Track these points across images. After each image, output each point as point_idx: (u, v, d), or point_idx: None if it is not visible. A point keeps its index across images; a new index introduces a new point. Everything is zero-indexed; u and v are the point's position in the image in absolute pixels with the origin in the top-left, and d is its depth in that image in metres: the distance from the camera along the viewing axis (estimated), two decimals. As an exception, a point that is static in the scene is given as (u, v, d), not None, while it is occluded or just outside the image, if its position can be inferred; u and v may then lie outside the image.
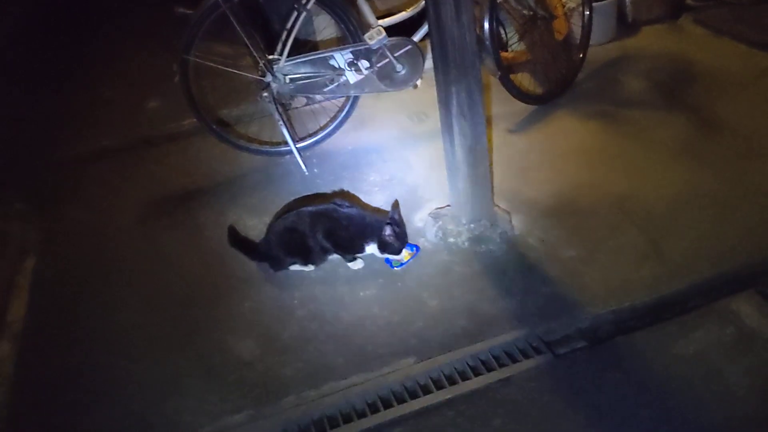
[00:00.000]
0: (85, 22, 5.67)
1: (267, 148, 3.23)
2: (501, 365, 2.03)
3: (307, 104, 3.69)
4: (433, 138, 3.14)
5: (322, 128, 3.27)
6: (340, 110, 3.24)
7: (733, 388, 1.86)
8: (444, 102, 2.34)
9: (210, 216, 2.94)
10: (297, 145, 3.13)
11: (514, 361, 2.04)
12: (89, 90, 4.32)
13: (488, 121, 2.89)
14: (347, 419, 1.96)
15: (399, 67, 3.04)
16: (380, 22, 2.99)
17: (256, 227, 2.77)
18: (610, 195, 2.69)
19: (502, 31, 3.65)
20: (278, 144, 3.22)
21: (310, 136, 3.26)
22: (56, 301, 2.63)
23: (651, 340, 2.04)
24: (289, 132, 3.08)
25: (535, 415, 1.86)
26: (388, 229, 2.39)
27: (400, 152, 3.21)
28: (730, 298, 2.13)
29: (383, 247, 2.43)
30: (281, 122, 3.04)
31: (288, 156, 3.23)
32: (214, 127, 3.10)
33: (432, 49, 2.29)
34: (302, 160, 3.13)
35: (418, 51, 3.05)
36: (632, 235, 2.47)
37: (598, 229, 2.53)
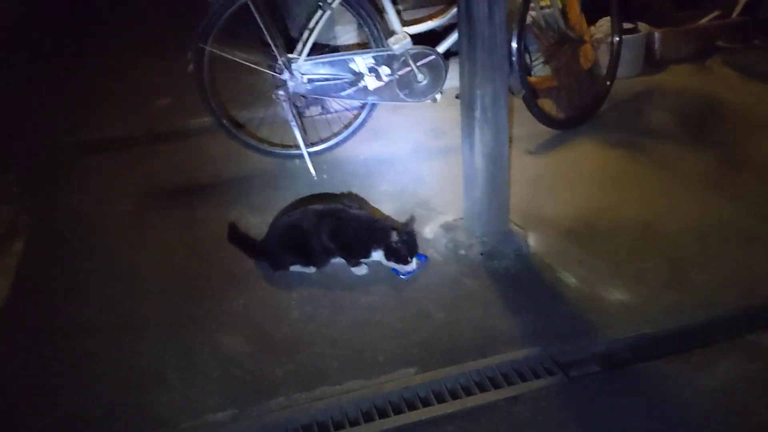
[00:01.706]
0: (106, 21, 5.65)
1: (277, 149, 3.12)
2: (509, 383, 1.88)
3: (322, 113, 3.60)
4: (450, 154, 3.06)
5: (335, 134, 3.16)
6: (356, 117, 3.15)
7: (763, 428, 1.70)
8: (467, 105, 2.23)
9: (211, 212, 2.82)
10: (308, 150, 3.02)
11: (524, 380, 1.88)
12: (101, 84, 4.25)
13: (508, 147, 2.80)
14: (339, 426, 1.80)
15: (420, 76, 2.95)
16: (405, 29, 2.91)
17: (258, 226, 2.64)
18: (631, 220, 2.56)
19: (527, 56, 3.57)
20: (289, 146, 3.11)
21: (323, 141, 3.16)
22: (40, 286, 2.50)
23: (672, 369, 1.89)
24: (301, 134, 2.97)
25: (544, 436, 1.71)
26: (394, 234, 2.26)
27: (414, 165, 3.10)
28: (759, 332, 1.98)
29: (390, 255, 2.30)
30: (294, 123, 2.94)
31: (298, 160, 3.12)
32: (224, 122, 3.00)
33: (460, 49, 2.19)
34: (312, 165, 3.01)
35: (441, 62, 2.96)
36: (654, 261, 2.33)
37: (618, 252, 2.39)
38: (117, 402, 1.94)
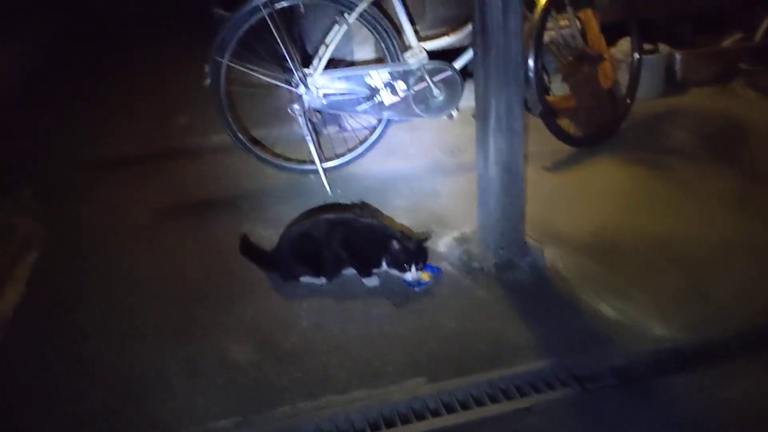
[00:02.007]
0: (127, 45, 5.75)
1: (292, 164, 3.10)
2: (522, 395, 1.81)
3: (339, 131, 3.59)
4: (466, 171, 3.01)
5: (350, 150, 3.14)
6: (371, 133, 3.13)
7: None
8: (482, 113, 2.20)
9: (224, 225, 2.80)
10: (323, 165, 3.01)
11: (537, 391, 1.82)
12: (122, 104, 4.30)
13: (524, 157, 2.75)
14: (343, 435, 1.74)
15: (436, 92, 2.94)
16: (421, 44, 2.91)
17: (270, 238, 2.61)
18: (650, 236, 2.50)
19: (546, 76, 3.55)
20: (304, 161, 3.10)
21: (338, 157, 3.14)
22: (51, 294, 2.48)
23: (691, 383, 1.81)
24: (316, 149, 2.95)
25: (557, 448, 1.63)
26: (394, 242, 2.22)
27: (429, 181, 3.07)
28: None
29: (390, 262, 2.26)
30: (309, 138, 2.92)
31: (313, 176, 3.10)
32: (240, 135, 2.99)
33: (474, 56, 2.18)
34: (327, 180, 2.99)
35: (458, 78, 2.95)
36: (674, 276, 2.26)
37: (637, 267, 2.33)
38: (119, 406, 1.90)
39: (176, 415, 1.85)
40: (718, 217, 2.61)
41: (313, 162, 3.00)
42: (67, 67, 5.24)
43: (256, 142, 3.10)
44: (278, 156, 3.09)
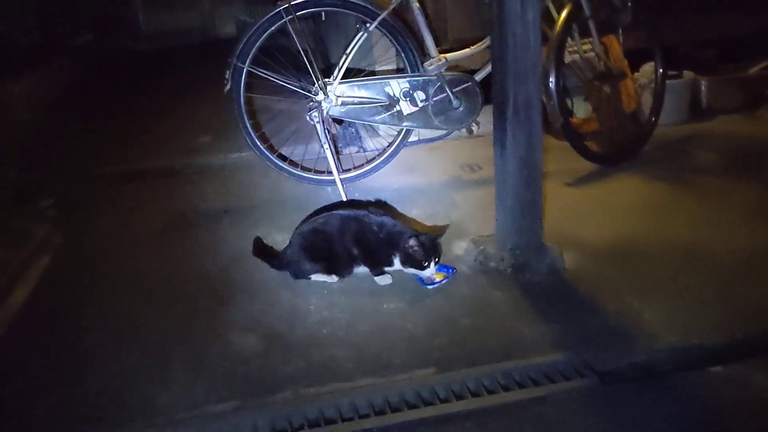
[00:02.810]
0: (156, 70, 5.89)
1: (309, 174, 3.07)
2: (537, 386, 1.70)
3: (358, 151, 3.58)
4: (485, 185, 2.98)
5: (368, 161, 3.11)
6: (390, 145, 3.10)
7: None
8: (498, 106, 2.16)
9: (237, 231, 2.77)
10: (341, 176, 2.97)
11: (553, 382, 1.71)
12: (146, 125, 4.36)
13: (543, 175, 2.68)
14: (347, 419, 1.64)
15: (456, 102, 2.91)
16: (442, 56, 2.90)
17: (283, 243, 2.55)
18: (674, 243, 2.40)
19: (569, 101, 3.51)
20: (321, 172, 3.07)
21: (356, 168, 3.11)
22: (59, 294, 2.45)
23: (716, 379, 1.70)
24: (334, 159, 2.93)
25: (573, 435, 1.52)
26: (412, 240, 2.16)
27: (447, 193, 3.01)
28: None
29: (406, 260, 2.19)
30: (327, 146, 2.90)
31: (330, 188, 3.07)
32: (258, 143, 2.97)
33: (492, 47, 2.15)
34: (344, 191, 2.95)
35: (478, 90, 2.93)
36: (700, 278, 2.16)
37: (661, 270, 2.23)
38: (116, 394, 1.83)
39: (173, 401, 1.78)
40: (743, 226, 2.51)
41: (330, 173, 2.96)
42: (97, 91, 5.37)
43: (274, 150, 3.09)
44: (295, 165, 3.07)
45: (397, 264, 2.23)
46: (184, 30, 7.66)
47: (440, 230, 2.27)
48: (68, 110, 4.87)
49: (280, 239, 2.62)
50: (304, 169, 3.08)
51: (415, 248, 2.15)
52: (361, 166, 3.11)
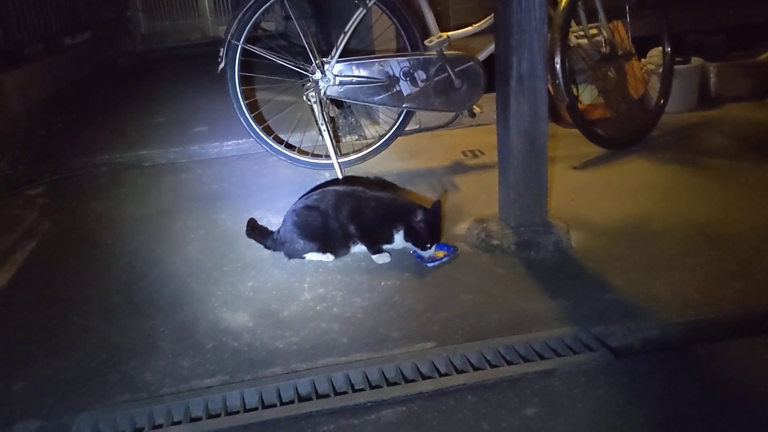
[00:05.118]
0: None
1: (306, 158, 2.97)
2: (543, 359, 1.60)
3: (359, 140, 3.49)
4: (487, 169, 2.90)
5: (367, 145, 3.02)
6: (390, 128, 3.01)
7: None
8: (501, 74, 2.07)
9: (232, 213, 2.69)
10: (339, 160, 2.88)
11: (560, 356, 1.60)
12: (141, 117, 4.31)
13: (550, 160, 2.58)
14: (341, 393, 1.54)
15: (458, 82, 2.82)
16: (444, 33, 2.81)
17: (278, 225, 2.47)
18: (685, 222, 2.29)
19: (574, 88, 3.42)
20: (319, 156, 2.97)
21: (354, 152, 3.01)
22: (44, 274, 2.36)
23: (735, 349, 1.59)
24: (331, 141, 2.83)
25: (583, 408, 1.41)
26: (420, 214, 2.06)
27: (448, 178, 2.92)
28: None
29: (409, 235, 2.09)
30: (324, 128, 2.80)
31: (328, 173, 2.97)
32: (254, 125, 2.88)
33: (495, 11, 2.06)
34: (342, 176, 2.85)
35: (480, 70, 2.84)
36: (714, 255, 2.05)
37: (673, 247, 2.12)
38: (100, 368, 1.74)
39: (158, 376, 1.68)
40: (755, 203, 2.42)
41: (328, 157, 2.87)
42: (99, 86, 5.33)
43: (270, 133, 3.00)
44: (291, 147, 2.97)
45: (397, 241, 2.13)
46: (184, 30, 7.65)
47: (438, 202, 2.15)
48: (64, 104, 4.80)
49: (274, 221, 2.53)
50: (301, 152, 2.98)
51: (422, 224, 2.06)
52: (360, 150, 3.01)
